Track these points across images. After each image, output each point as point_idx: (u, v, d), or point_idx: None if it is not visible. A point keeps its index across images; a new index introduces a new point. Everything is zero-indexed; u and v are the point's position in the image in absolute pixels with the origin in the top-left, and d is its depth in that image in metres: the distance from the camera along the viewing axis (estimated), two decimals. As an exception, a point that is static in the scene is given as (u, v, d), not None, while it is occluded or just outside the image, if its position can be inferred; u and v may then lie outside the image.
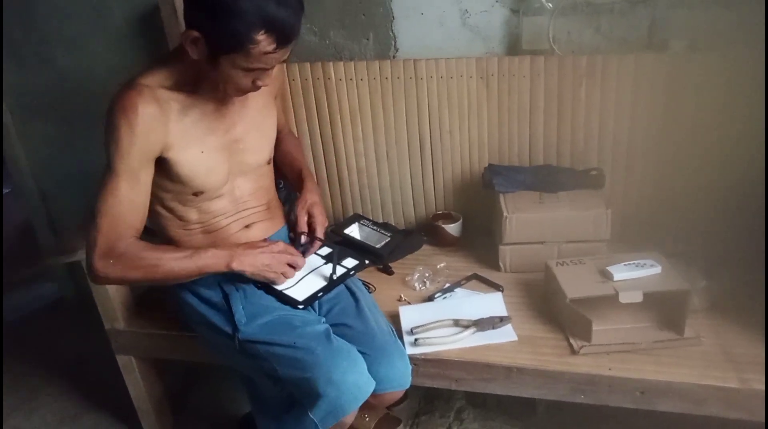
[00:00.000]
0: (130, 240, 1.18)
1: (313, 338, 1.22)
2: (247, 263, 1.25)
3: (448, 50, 1.65)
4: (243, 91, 1.20)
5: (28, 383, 2.05)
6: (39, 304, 2.55)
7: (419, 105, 1.68)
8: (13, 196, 2.84)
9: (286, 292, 1.34)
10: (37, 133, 2.12)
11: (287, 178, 1.56)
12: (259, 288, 1.35)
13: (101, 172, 1.19)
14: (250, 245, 1.30)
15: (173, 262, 1.20)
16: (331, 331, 1.26)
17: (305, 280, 1.38)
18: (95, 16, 1.86)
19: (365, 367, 1.22)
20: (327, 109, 1.73)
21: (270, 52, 1.08)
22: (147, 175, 1.20)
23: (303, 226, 1.39)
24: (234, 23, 1.03)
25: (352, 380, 1.17)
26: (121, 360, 1.59)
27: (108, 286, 1.48)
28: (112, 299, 1.50)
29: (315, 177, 1.72)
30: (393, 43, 1.69)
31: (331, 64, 1.67)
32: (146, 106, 1.14)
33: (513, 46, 1.63)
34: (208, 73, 1.16)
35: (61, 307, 2.47)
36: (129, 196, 1.17)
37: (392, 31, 1.68)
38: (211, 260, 1.22)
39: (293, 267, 1.32)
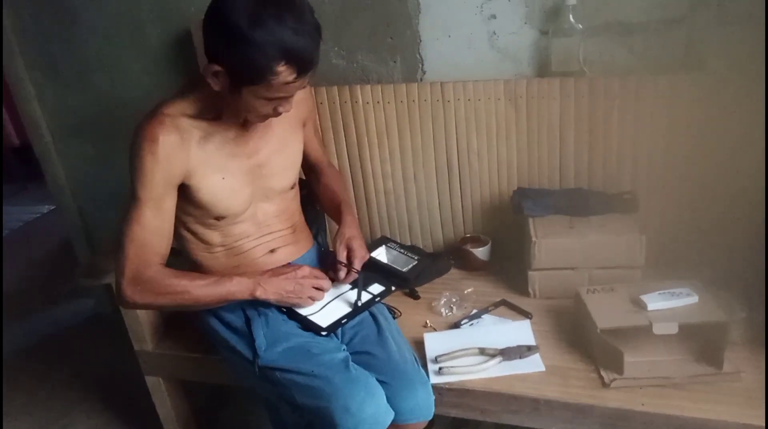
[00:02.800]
0: (156, 267, 1.20)
1: (331, 367, 1.21)
2: (270, 291, 1.26)
3: (476, 72, 1.63)
4: (265, 118, 1.22)
5: (63, 399, 2.10)
6: (77, 320, 2.61)
7: (447, 127, 1.66)
8: (56, 214, 2.94)
9: (310, 317, 1.33)
10: (75, 152, 2.19)
11: (328, 212, 1.58)
12: (283, 312, 1.35)
13: (126, 199, 1.21)
14: (275, 272, 1.31)
15: (199, 290, 1.22)
16: (350, 360, 1.25)
17: (330, 306, 1.37)
18: (132, 38, 1.92)
19: (384, 397, 1.20)
20: (354, 132, 1.73)
21: (290, 82, 1.09)
22: (171, 201, 1.22)
23: (342, 259, 1.38)
24: (254, 56, 1.04)
25: (370, 411, 1.15)
26: (150, 381, 1.61)
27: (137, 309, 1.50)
28: (141, 321, 1.52)
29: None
30: (420, 65, 1.69)
31: (358, 87, 1.68)
32: (167, 135, 1.16)
33: (542, 68, 1.60)
34: (230, 103, 1.18)
35: (98, 323, 2.53)
36: (154, 223, 1.19)
37: (419, 53, 1.67)
38: (236, 288, 1.24)
39: (320, 289, 1.33)
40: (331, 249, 1.43)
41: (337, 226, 1.45)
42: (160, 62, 1.93)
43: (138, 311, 1.50)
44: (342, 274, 1.37)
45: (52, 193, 2.30)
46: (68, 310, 2.68)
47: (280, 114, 1.19)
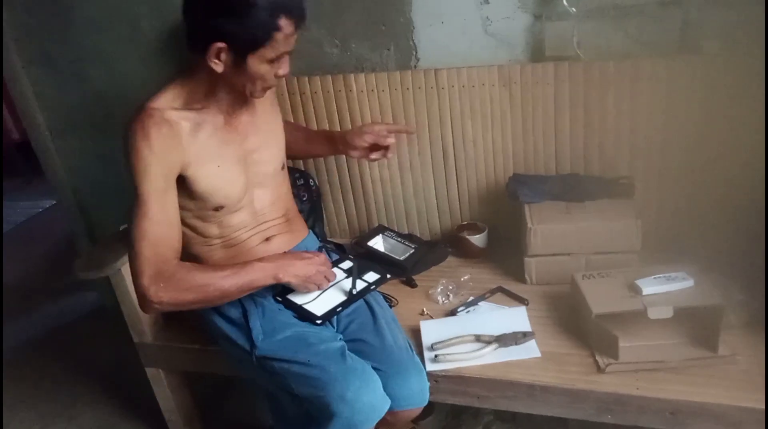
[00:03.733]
0: (174, 262, 1.19)
1: (327, 356, 1.22)
2: (292, 273, 1.27)
3: (470, 58, 1.62)
4: (267, 88, 1.25)
5: (67, 391, 2.12)
6: (80, 312, 2.64)
7: (442, 115, 1.65)
8: (57, 209, 2.96)
9: (305, 306, 1.34)
10: (74, 147, 2.18)
11: (318, 150, 1.62)
12: (278, 301, 1.35)
13: (129, 200, 1.21)
14: (295, 255, 1.33)
15: (223, 280, 1.21)
16: (347, 349, 1.26)
17: (325, 295, 1.38)
18: (128, 31, 1.91)
19: (380, 385, 1.21)
20: (349, 121, 1.72)
21: (290, 34, 1.14)
22: (173, 194, 1.22)
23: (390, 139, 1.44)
24: (258, 17, 1.09)
25: (366, 399, 1.16)
26: (150, 372, 1.62)
27: (135, 301, 1.51)
28: (140, 313, 1.53)
29: None
30: (414, 53, 1.68)
31: (352, 76, 1.67)
32: (159, 128, 1.17)
33: (537, 53, 1.59)
34: (232, 82, 1.20)
35: (101, 315, 2.55)
36: (162, 217, 1.18)
37: (413, 41, 1.66)
38: (259, 274, 1.24)
39: (328, 278, 1.36)
40: (352, 148, 1.49)
41: (340, 147, 1.52)
42: (157, 55, 1.93)
43: (135, 303, 1.50)
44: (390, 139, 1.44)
45: (53, 187, 2.31)
46: (71, 304, 2.70)
47: (281, 78, 1.22)
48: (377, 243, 1.72)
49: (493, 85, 1.58)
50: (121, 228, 1.59)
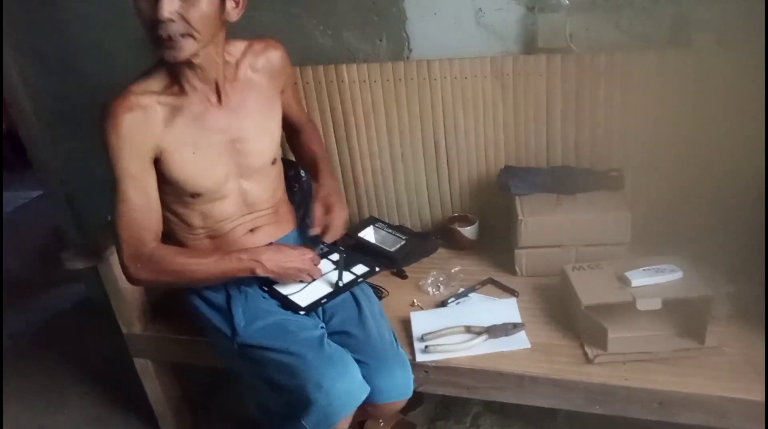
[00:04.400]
0: (153, 244, 1.24)
1: (306, 344, 1.22)
2: (270, 268, 1.27)
3: (462, 50, 1.62)
4: (156, 36, 1.11)
5: (56, 383, 2.10)
6: (68, 305, 2.62)
7: (433, 106, 1.65)
8: (44, 200, 2.93)
9: (291, 297, 1.34)
10: (62, 138, 2.16)
11: (307, 171, 1.58)
12: (264, 290, 1.35)
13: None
14: (279, 249, 1.32)
15: (197, 267, 1.25)
16: (326, 337, 1.25)
17: (312, 286, 1.37)
18: (117, 21, 1.89)
19: (358, 373, 1.20)
20: (341, 112, 1.72)
21: None
22: (150, 177, 1.23)
23: (320, 222, 1.37)
24: None
25: (343, 387, 1.16)
26: (139, 363, 1.61)
27: (124, 292, 1.50)
28: (128, 304, 1.52)
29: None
30: (406, 44, 1.67)
31: (344, 66, 1.66)
32: (129, 113, 1.17)
33: (529, 45, 1.59)
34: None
35: (90, 307, 2.53)
36: (138, 201, 1.21)
37: (405, 31, 1.65)
38: (235, 265, 1.26)
39: (311, 275, 1.35)
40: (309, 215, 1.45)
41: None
42: (146, 45, 1.90)
43: (125, 293, 1.50)
44: (316, 230, 1.37)
45: (40, 178, 2.29)
46: (58, 295, 2.68)
47: (158, 21, 1.08)
48: (368, 234, 1.72)
49: (486, 76, 1.58)
50: (110, 218, 1.57)
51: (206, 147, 1.26)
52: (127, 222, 1.21)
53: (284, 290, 1.35)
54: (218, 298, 1.35)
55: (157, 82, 1.22)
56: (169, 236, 1.36)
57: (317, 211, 1.39)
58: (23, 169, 4.15)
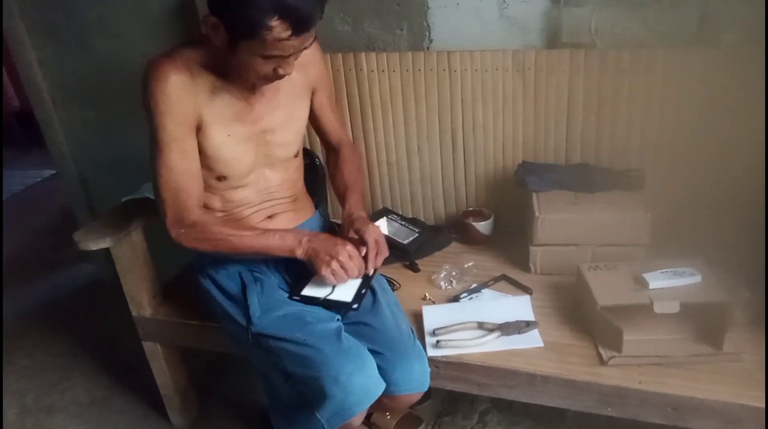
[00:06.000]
0: (197, 211, 1.24)
1: (322, 336, 1.20)
2: (312, 249, 1.23)
3: (484, 42, 1.59)
4: (265, 80, 1.19)
5: (63, 363, 2.11)
6: (78, 285, 2.63)
7: (452, 98, 1.63)
8: (57, 179, 2.93)
9: (330, 298, 1.30)
10: (77, 117, 2.16)
11: (338, 198, 1.48)
12: (296, 300, 1.30)
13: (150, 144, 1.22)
14: (326, 236, 1.27)
15: (240, 240, 1.24)
16: (343, 330, 1.24)
17: (339, 285, 1.32)
18: (132, 2, 1.88)
19: (375, 368, 1.19)
20: (358, 101, 1.70)
21: (285, 39, 1.07)
22: (192, 143, 1.22)
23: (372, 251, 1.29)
24: (248, 9, 1.03)
25: (360, 382, 1.15)
26: (147, 346, 1.61)
27: (135, 275, 1.50)
28: (139, 287, 1.52)
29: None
30: (427, 34, 1.65)
31: (363, 54, 1.64)
32: (178, 74, 1.15)
33: (552, 39, 1.56)
34: (232, 60, 1.15)
35: (99, 288, 2.54)
36: (182, 166, 1.20)
37: (427, 21, 1.63)
38: (277, 242, 1.25)
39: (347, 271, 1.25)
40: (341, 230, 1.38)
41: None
42: (162, 27, 1.89)
43: (136, 276, 1.50)
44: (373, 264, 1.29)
45: (54, 158, 2.29)
46: (68, 276, 2.70)
47: (281, 77, 1.16)
48: (381, 226, 1.70)
49: (507, 70, 1.56)
50: (124, 200, 1.57)
51: (239, 134, 1.26)
52: (172, 187, 1.20)
53: (317, 294, 1.30)
54: (233, 286, 1.34)
55: (203, 56, 1.21)
56: None
57: (367, 245, 1.28)
58: (33, 147, 4.18)
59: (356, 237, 1.30)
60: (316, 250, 1.24)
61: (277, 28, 1.04)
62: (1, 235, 3.01)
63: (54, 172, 3.39)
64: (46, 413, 1.89)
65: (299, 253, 1.24)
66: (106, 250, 1.46)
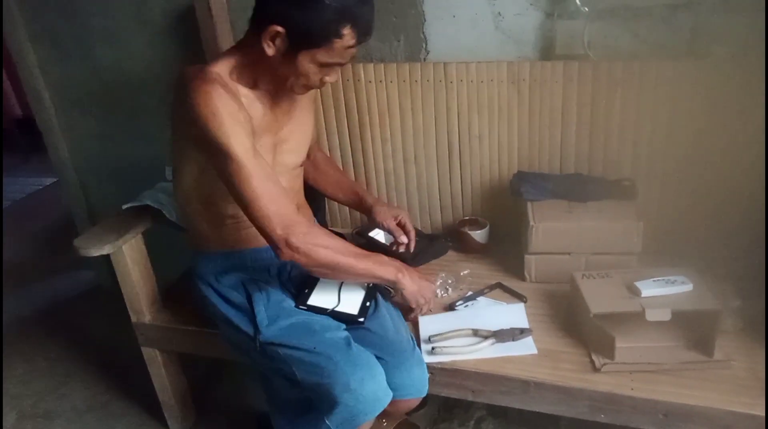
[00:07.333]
0: (303, 228, 1.15)
1: (332, 345, 1.21)
2: (409, 281, 1.28)
3: (479, 54, 1.62)
4: (309, 88, 1.23)
5: (62, 368, 2.12)
6: (78, 291, 2.64)
7: (448, 108, 1.65)
8: (57, 187, 2.95)
9: (337, 310, 1.32)
10: (78, 125, 2.18)
11: (341, 200, 1.64)
12: (303, 309, 1.32)
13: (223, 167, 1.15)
14: (417, 271, 1.33)
15: (355, 258, 1.21)
16: (352, 339, 1.25)
17: (344, 295, 1.36)
18: (135, 11, 1.90)
19: (384, 377, 1.21)
20: (356, 111, 1.72)
21: (350, 47, 1.12)
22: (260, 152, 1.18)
23: (403, 237, 1.56)
24: (323, 16, 1.06)
25: (370, 390, 1.16)
26: (147, 352, 1.62)
27: (135, 280, 1.51)
28: (138, 293, 1.53)
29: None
30: (424, 45, 1.67)
31: (361, 65, 1.67)
32: (226, 87, 1.14)
33: (547, 51, 1.59)
34: (278, 69, 1.16)
35: (98, 294, 2.55)
36: (266, 173, 1.14)
37: (423, 33, 1.66)
38: (385, 265, 1.25)
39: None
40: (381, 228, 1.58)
41: (363, 211, 1.59)
42: (163, 37, 1.92)
43: (135, 282, 1.52)
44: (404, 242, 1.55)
45: (54, 165, 2.31)
46: (69, 282, 2.71)
47: (324, 85, 1.21)
48: (378, 234, 1.73)
49: (502, 81, 1.58)
50: (124, 207, 1.59)
51: (265, 144, 1.25)
52: (270, 196, 1.12)
53: (325, 305, 1.32)
54: (237, 296, 1.34)
55: (232, 72, 1.19)
56: (192, 229, 1.37)
57: (394, 228, 1.56)
58: (34, 155, 4.21)
59: (393, 224, 1.53)
60: (413, 285, 1.29)
61: (347, 36, 1.10)
62: (1, 242, 3.02)
63: (55, 179, 3.41)
64: (45, 418, 1.90)
65: (400, 277, 1.26)
66: (106, 256, 1.48)
